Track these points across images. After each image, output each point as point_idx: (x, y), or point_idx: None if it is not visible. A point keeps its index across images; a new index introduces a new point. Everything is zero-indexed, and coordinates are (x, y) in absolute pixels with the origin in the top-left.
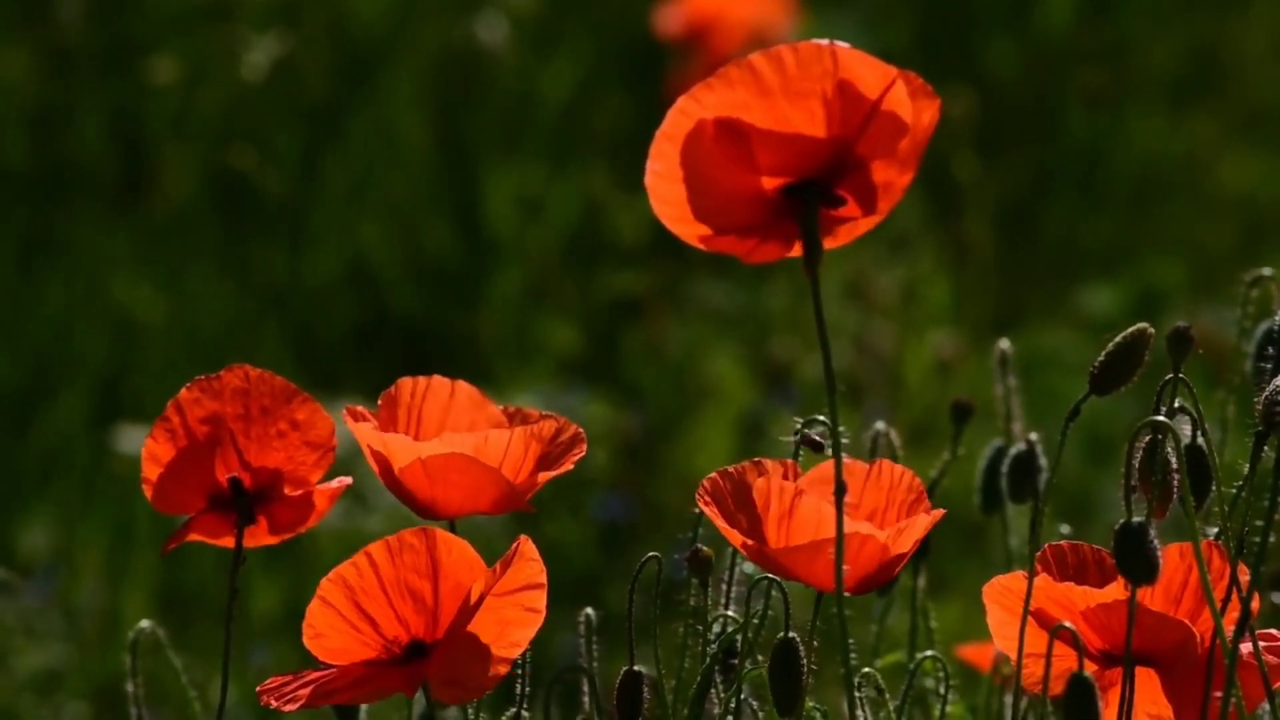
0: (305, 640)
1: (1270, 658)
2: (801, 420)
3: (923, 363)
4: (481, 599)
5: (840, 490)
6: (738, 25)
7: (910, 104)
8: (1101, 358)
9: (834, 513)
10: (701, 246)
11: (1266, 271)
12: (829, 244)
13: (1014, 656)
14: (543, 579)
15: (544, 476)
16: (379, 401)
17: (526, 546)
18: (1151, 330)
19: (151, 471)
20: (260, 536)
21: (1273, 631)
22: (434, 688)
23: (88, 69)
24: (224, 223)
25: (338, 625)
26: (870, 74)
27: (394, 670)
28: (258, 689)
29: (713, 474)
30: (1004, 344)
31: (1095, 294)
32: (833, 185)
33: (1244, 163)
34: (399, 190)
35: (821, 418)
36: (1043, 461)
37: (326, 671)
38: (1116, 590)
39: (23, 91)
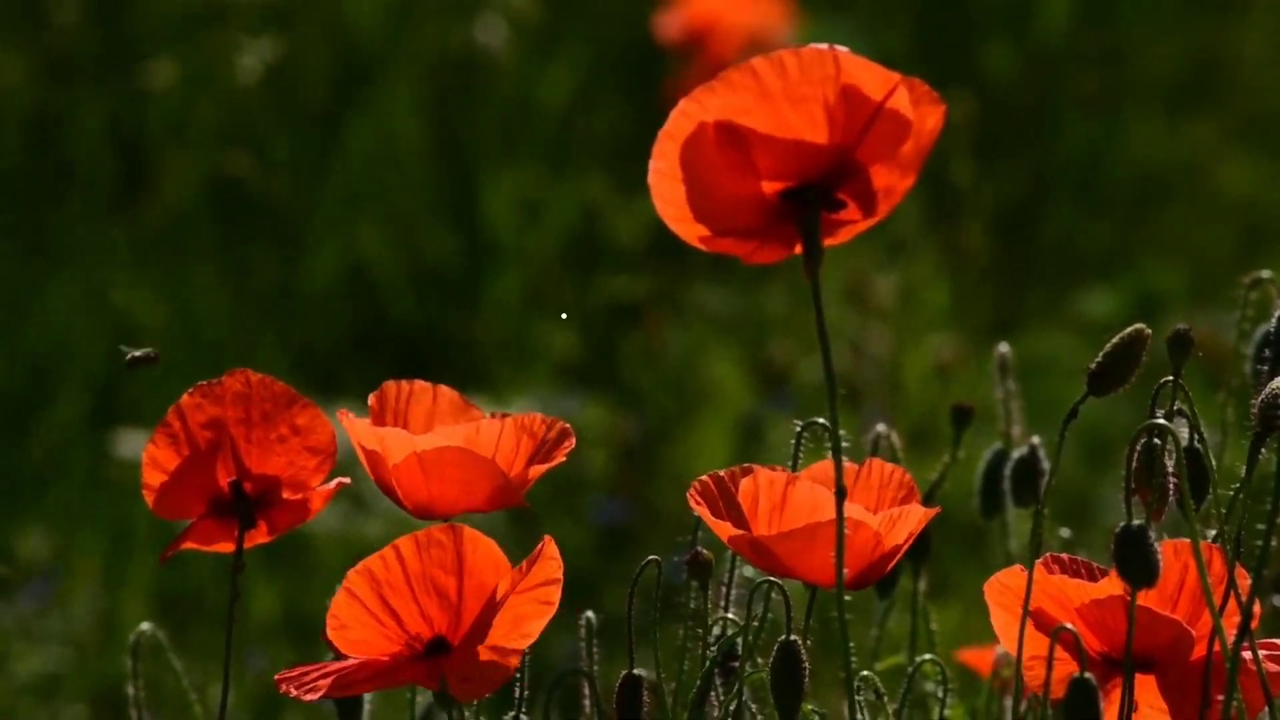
0: (328, 632)
1: (1271, 665)
2: (800, 423)
3: (921, 367)
4: (505, 597)
5: (841, 494)
6: (736, 30)
7: (913, 109)
8: (1099, 358)
9: (829, 498)
10: (702, 247)
11: (1265, 274)
12: (828, 242)
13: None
14: (559, 574)
15: (536, 470)
16: (369, 405)
17: (549, 546)
18: (1148, 331)
19: (153, 477)
20: (255, 536)
21: (1276, 640)
22: (451, 685)
23: (86, 73)
24: (223, 227)
25: (362, 618)
26: (872, 79)
27: (415, 665)
28: (276, 677)
29: (704, 476)
30: (1004, 348)
31: (1094, 298)
32: (833, 189)
33: (1243, 167)
34: (397, 194)
35: (821, 420)
36: (1045, 465)
37: (347, 663)
38: (1111, 586)
39: (21, 95)
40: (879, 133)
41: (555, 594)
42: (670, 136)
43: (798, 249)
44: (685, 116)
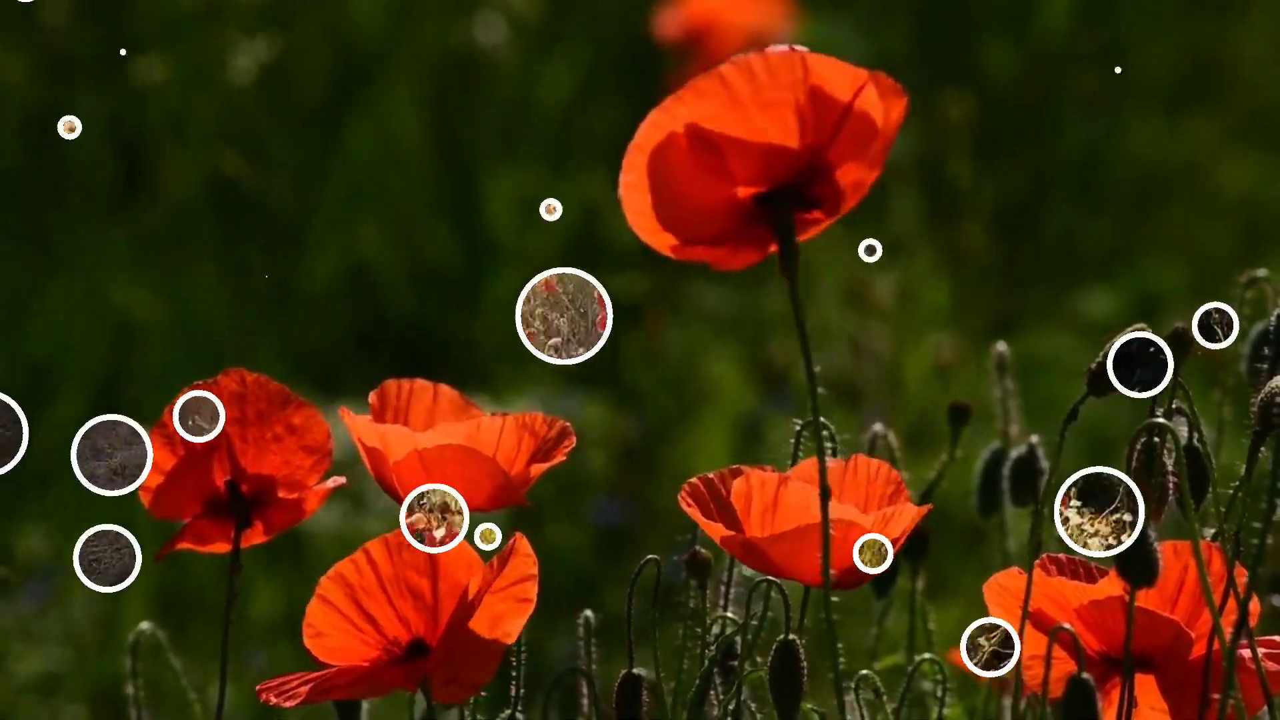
0: (306, 640)
1: (1270, 664)
2: (799, 423)
3: (921, 366)
4: (479, 595)
5: (825, 494)
6: (736, 29)
7: (881, 105)
8: (1098, 359)
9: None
10: (673, 256)
11: (1262, 272)
12: (799, 238)
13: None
14: (534, 570)
15: (537, 469)
16: (369, 402)
17: (521, 543)
18: (1148, 330)
19: (148, 478)
20: (252, 536)
21: (1275, 638)
22: (434, 688)
23: (85, 72)
24: (222, 226)
25: (338, 624)
26: (841, 79)
27: (394, 668)
28: (257, 687)
29: (694, 479)
30: (1001, 347)
31: (1094, 297)
32: (805, 190)
33: (1243, 166)
34: (397, 194)
35: (821, 419)
36: (1044, 464)
37: (327, 670)
38: (1110, 587)
39: (19, 94)
40: (850, 131)
41: (532, 590)
42: (640, 148)
43: (771, 248)
44: (654, 127)
